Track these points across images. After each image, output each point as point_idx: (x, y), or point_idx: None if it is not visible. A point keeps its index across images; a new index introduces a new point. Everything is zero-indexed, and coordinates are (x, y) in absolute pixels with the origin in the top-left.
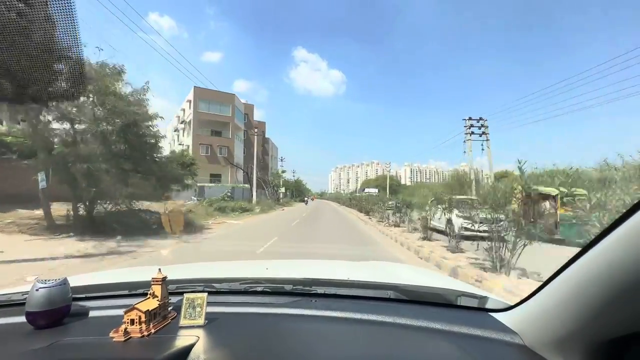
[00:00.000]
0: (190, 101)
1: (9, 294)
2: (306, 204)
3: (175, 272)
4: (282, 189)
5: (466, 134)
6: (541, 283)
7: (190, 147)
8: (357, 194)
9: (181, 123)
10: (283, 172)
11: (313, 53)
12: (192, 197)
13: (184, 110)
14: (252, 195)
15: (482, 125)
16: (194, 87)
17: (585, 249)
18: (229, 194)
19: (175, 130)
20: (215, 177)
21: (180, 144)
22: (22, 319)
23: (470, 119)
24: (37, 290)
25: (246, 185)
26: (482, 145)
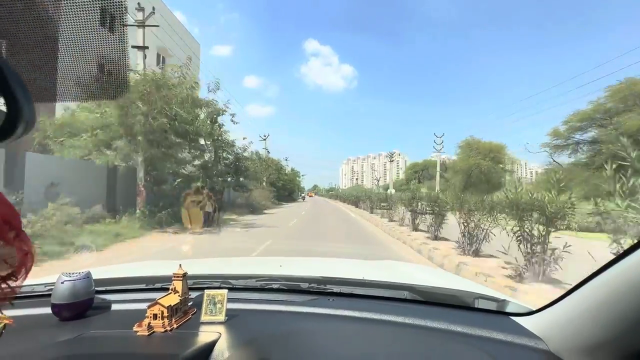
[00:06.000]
0: None
1: (32, 285)
2: (304, 199)
3: (192, 267)
4: None
5: None
6: (568, 289)
7: None
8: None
9: None
10: None
11: (325, 45)
12: None
13: None
14: None
15: None
16: None
17: (621, 255)
18: None
19: None
20: None
21: None
22: (47, 310)
23: None
24: (62, 282)
25: None
26: None
